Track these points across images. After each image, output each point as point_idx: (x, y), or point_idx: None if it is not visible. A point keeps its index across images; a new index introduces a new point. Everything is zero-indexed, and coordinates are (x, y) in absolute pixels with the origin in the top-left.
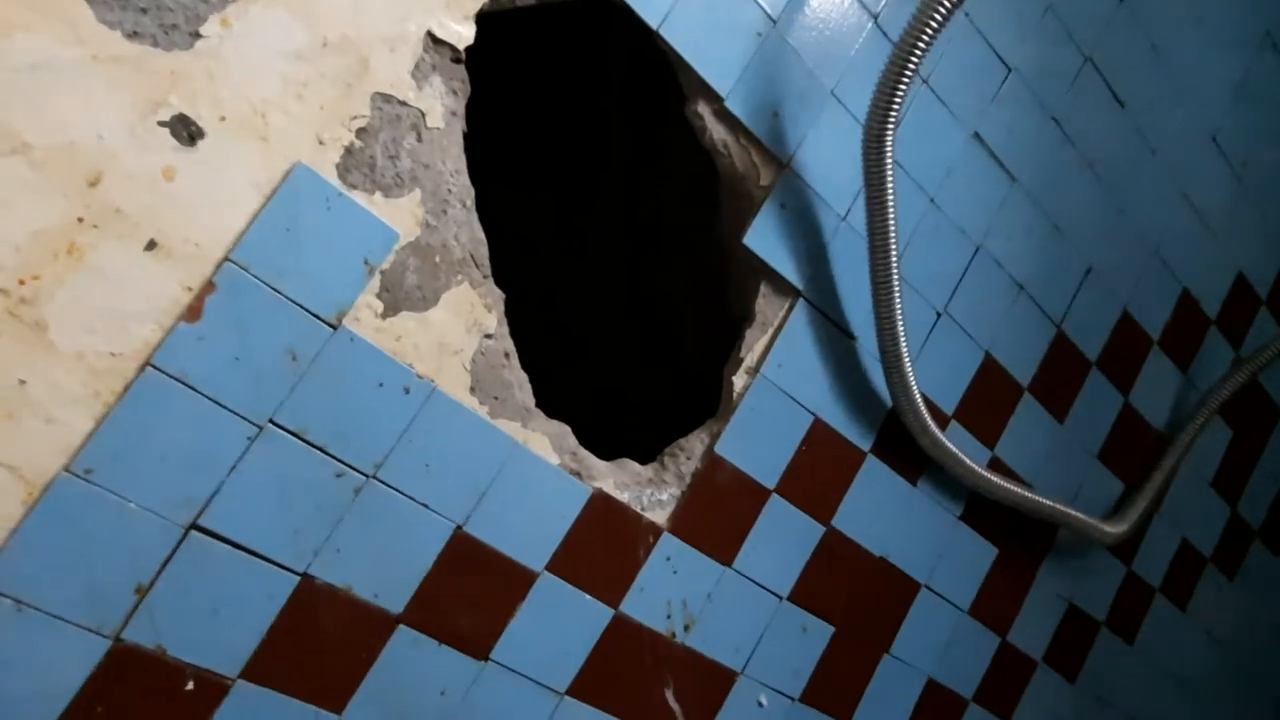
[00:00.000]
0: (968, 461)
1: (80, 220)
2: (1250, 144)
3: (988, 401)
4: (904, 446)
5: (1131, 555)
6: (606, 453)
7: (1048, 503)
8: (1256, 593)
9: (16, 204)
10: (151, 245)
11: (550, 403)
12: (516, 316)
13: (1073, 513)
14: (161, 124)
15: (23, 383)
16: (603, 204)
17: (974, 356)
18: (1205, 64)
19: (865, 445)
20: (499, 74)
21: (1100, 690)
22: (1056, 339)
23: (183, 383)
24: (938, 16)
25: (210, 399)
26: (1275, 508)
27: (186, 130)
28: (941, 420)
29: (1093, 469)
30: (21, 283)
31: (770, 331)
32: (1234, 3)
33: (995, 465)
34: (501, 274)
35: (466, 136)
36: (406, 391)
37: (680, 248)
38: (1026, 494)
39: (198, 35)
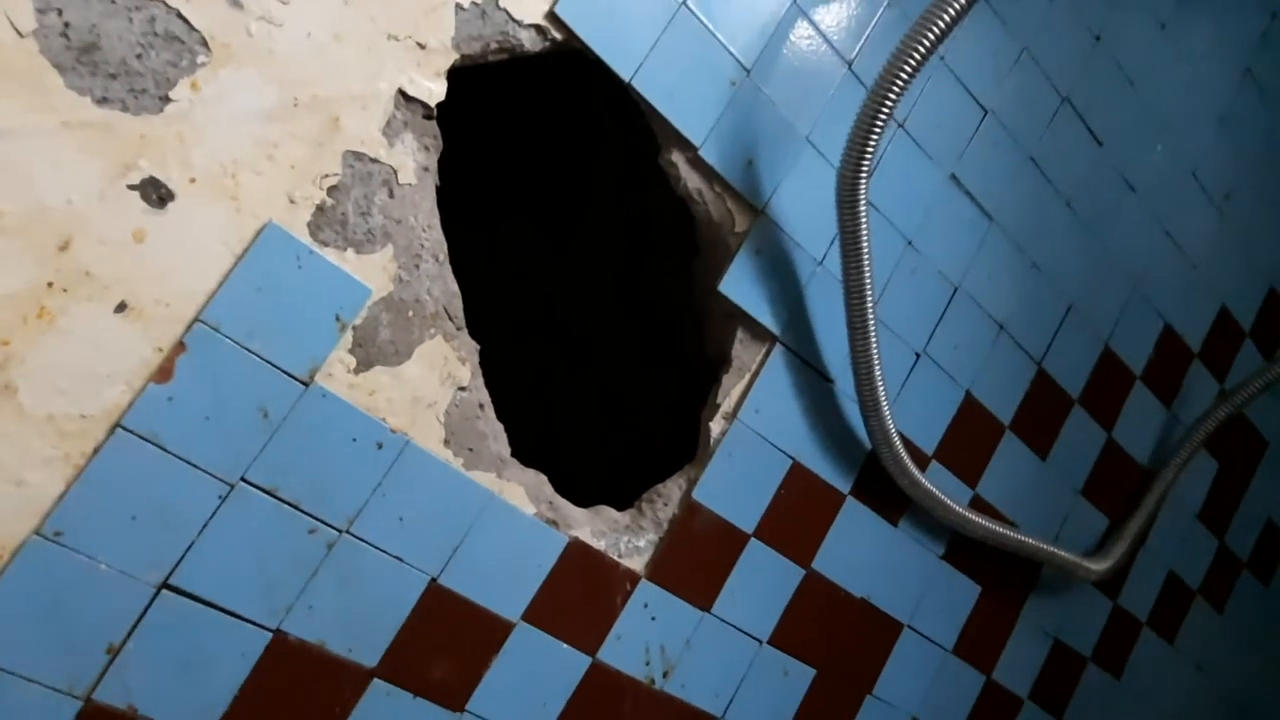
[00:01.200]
0: (948, 502)
1: (50, 285)
2: (1232, 178)
3: (969, 441)
4: (884, 488)
5: (1118, 590)
6: (600, 469)
7: (1030, 541)
8: (1246, 624)
9: None
10: (122, 307)
11: (551, 407)
12: (516, 328)
13: (1055, 550)
14: (131, 187)
15: None
16: (598, 211)
17: (954, 396)
18: (1184, 100)
19: (845, 487)
20: (485, 102)
21: None
22: (1038, 377)
23: (153, 443)
24: (910, 64)
25: (181, 459)
26: (1263, 539)
27: (156, 193)
28: (921, 461)
29: (1077, 505)
30: None
31: (747, 377)
32: (1212, 39)
33: (977, 504)
34: (500, 291)
35: (461, 168)
36: (379, 447)
37: (678, 248)
38: (1009, 533)
39: (167, 99)
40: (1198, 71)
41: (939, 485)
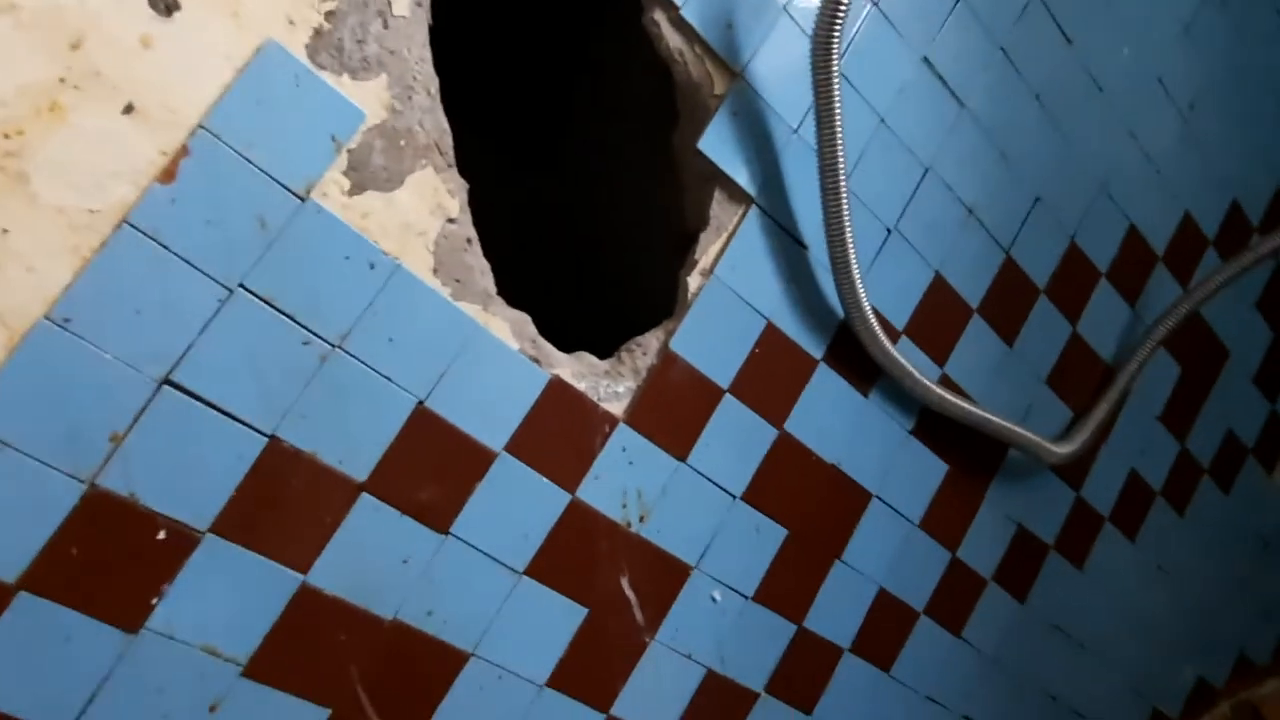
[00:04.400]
0: (918, 375)
1: (62, 80)
2: (1196, 88)
3: (938, 320)
4: (855, 357)
5: (1081, 481)
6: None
7: (997, 419)
8: (1207, 529)
9: (2, 60)
10: (129, 109)
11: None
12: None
13: (1021, 431)
14: None
15: (6, 232)
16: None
17: (924, 275)
18: (1151, 6)
19: (817, 353)
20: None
21: (1050, 612)
22: (1005, 264)
23: (157, 241)
24: None
25: (182, 259)
26: (1224, 448)
27: (164, 2)
28: (892, 334)
29: (1041, 393)
30: (6, 136)
31: (724, 236)
32: None
33: (945, 382)
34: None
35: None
36: (371, 267)
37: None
38: (976, 410)
39: None
40: None
41: (909, 360)
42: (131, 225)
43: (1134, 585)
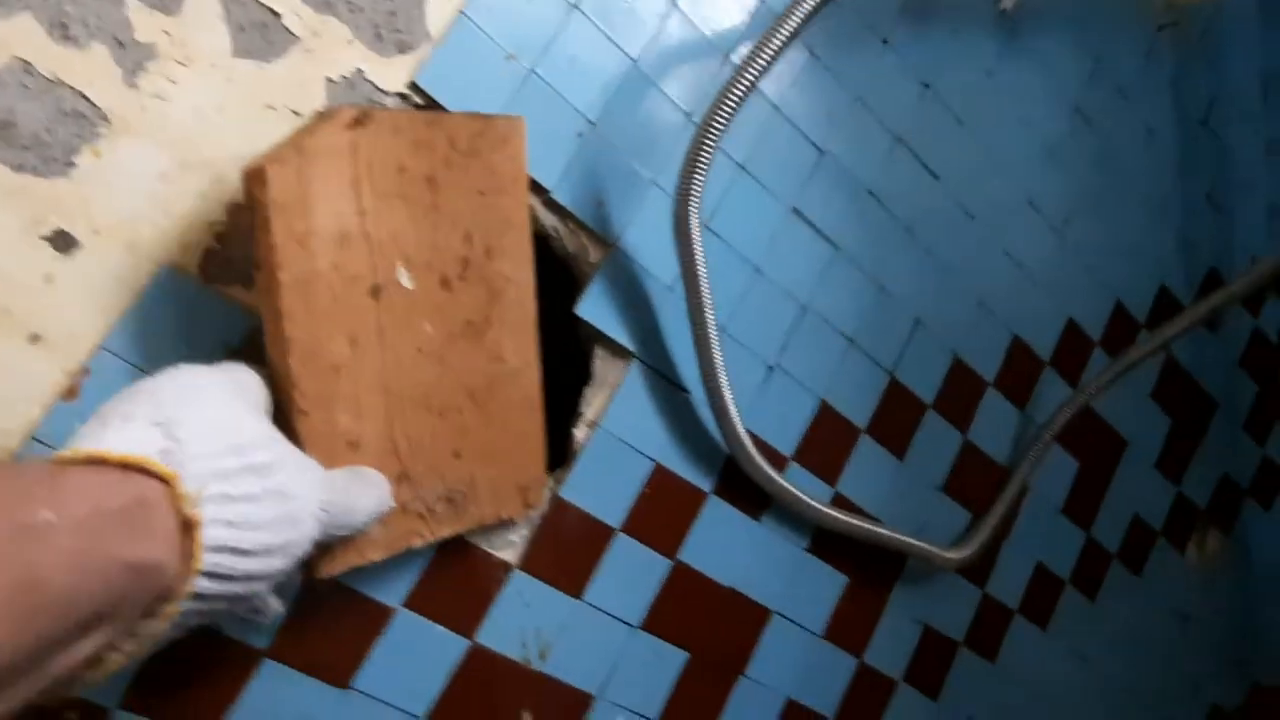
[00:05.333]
0: (804, 498)
1: None
2: (1068, 204)
3: (826, 443)
4: (744, 486)
5: (985, 578)
6: None
7: (888, 533)
8: (1120, 613)
9: None
10: (35, 339)
11: None
12: None
13: (913, 541)
14: (43, 238)
15: None
16: None
17: (809, 404)
18: (1016, 137)
19: (707, 486)
20: None
21: (965, 706)
22: (890, 384)
23: None
24: (727, 107)
25: None
26: (1131, 532)
27: (65, 242)
28: (779, 462)
29: (938, 501)
30: None
31: (608, 389)
32: (1039, 83)
33: (839, 501)
34: None
35: None
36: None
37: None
38: (865, 525)
39: (73, 165)
40: (1026, 112)
41: (798, 484)
42: (38, 440)
43: (1050, 674)
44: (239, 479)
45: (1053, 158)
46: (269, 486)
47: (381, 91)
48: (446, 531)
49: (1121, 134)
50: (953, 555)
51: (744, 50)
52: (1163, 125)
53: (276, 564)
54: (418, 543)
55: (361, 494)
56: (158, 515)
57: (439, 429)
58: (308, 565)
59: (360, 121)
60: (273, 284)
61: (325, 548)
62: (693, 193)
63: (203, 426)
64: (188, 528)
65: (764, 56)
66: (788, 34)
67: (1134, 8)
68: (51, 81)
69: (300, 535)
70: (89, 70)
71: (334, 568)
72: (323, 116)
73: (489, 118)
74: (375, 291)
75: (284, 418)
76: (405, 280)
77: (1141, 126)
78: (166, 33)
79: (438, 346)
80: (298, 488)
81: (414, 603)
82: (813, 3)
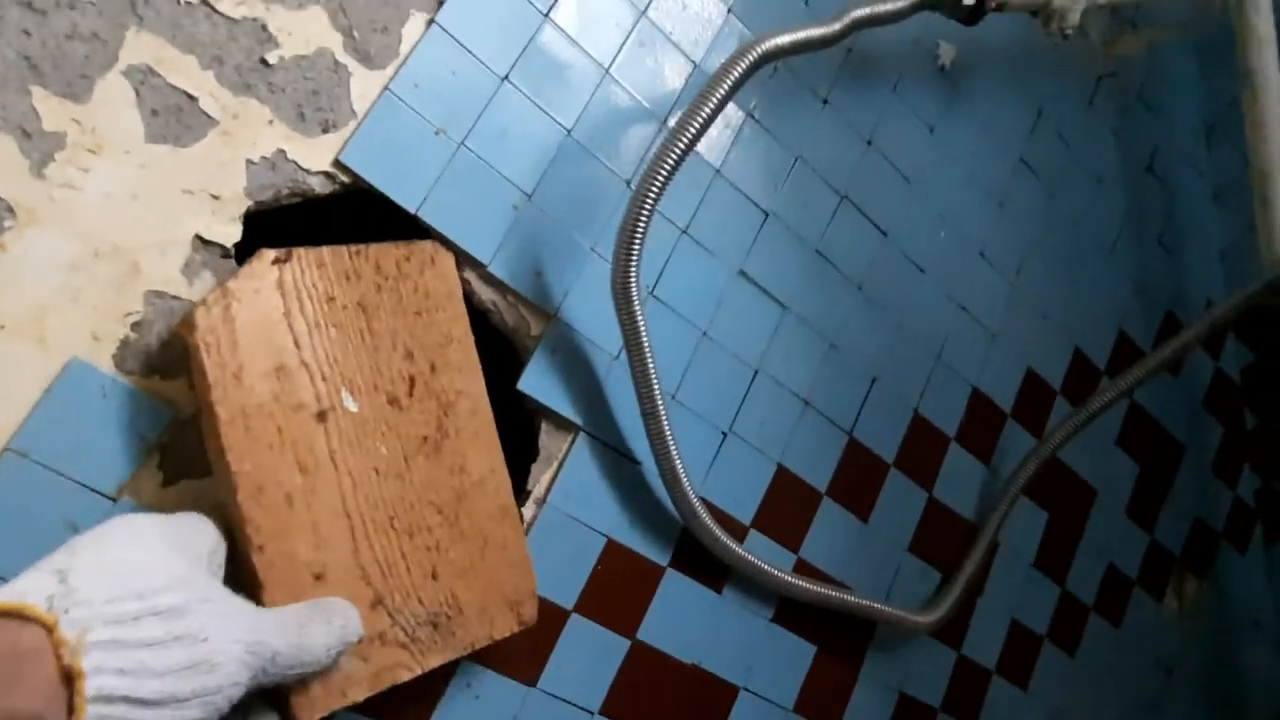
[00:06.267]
0: (765, 566)
1: None
2: (1020, 254)
3: (786, 509)
4: (702, 558)
5: (959, 640)
6: None
7: (852, 599)
8: (1102, 665)
9: None
10: None
11: None
12: None
13: (880, 606)
14: None
15: None
16: None
17: (766, 469)
18: (961, 191)
19: (663, 560)
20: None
21: None
22: (849, 445)
23: None
24: (662, 173)
25: None
26: (1107, 581)
27: None
28: (738, 530)
29: (906, 561)
30: None
31: (555, 464)
32: (981, 136)
33: (802, 568)
34: None
35: None
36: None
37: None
38: (831, 592)
39: None
40: (971, 165)
41: (759, 552)
42: None
43: None
44: (138, 624)
45: (1001, 208)
46: (176, 630)
47: (305, 171)
48: (436, 660)
49: (1069, 183)
50: (924, 619)
51: (676, 115)
52: (1109, 173)
53: (191, 714)
54: (405, 676)
55: (319, 628)
56: (35, 663)
57: (410, 550)
58: (285, 709)
59: (284, 259)
60: (212, 422)
61: (303, 687)
62: (632, 260)
63: (100, 571)
64: (69, 677)
65: (697, 121)
66: (720, 98)
67: (1073, 59)
68: None
69: (219, 681)
70: None
71: (313, 712)
72: (247, 260)
73: (413, 243)
74: (321, 417)
75: (241, 557)
76: (351, 404)
77: (1088, 175)
78: (76, 121)
79: (396, 465)
80: (214, 630)
81: (363, 707)
82: (744, 67)
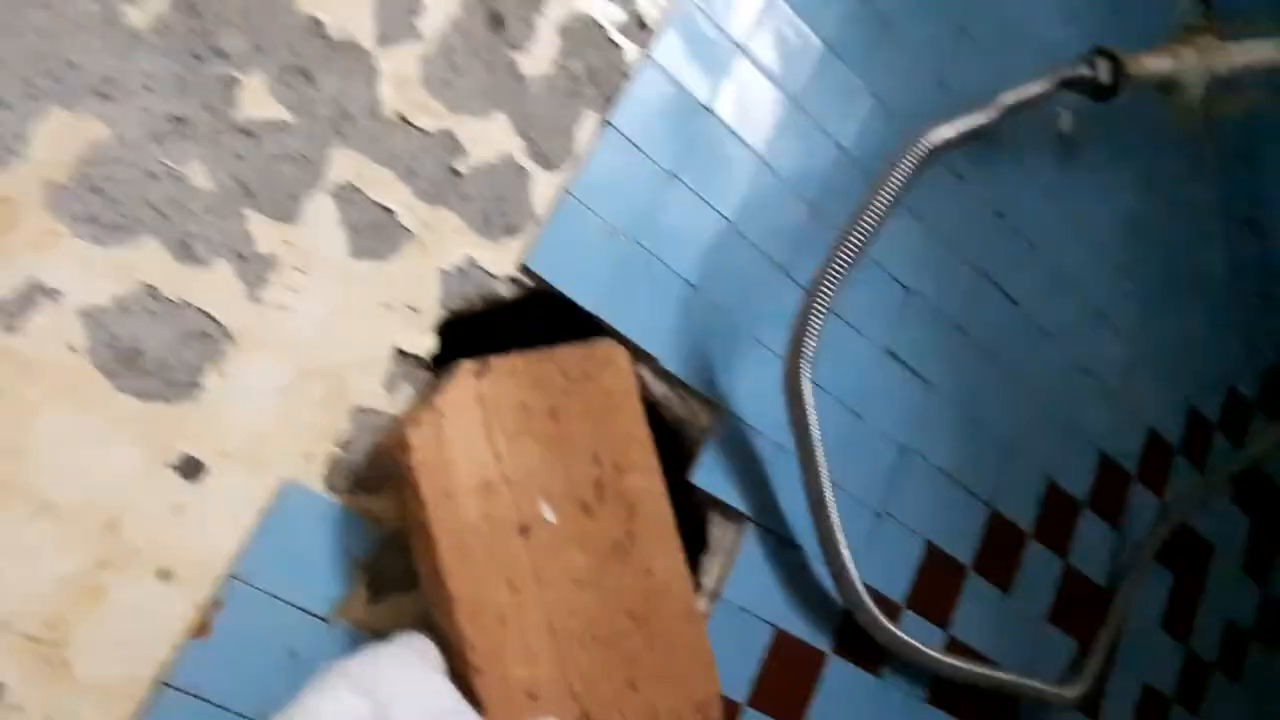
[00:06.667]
0: (921, 647)
1: (100, 563)
2: (1138, 315)
3: (935, 586)
4: (861, 641)
5: (1097, 712)
6: None
7: (1002, 676)
8: None
9: (43, 556)
10: (163, 573)
11: None
12: None
13: (1028, 683)
14: (170, 466)
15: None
16: None
17: (915, 546)
18: (1082, 253)
19: (826, 646)
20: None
21: None
22: (991, 517)
23: (194, 695)
24: (836, 270)
25: (219, 706)
26: (1226, 639)
27: (191, 469)
28: (893, 610)
29: (1044, 632)
30: (51, 628)
31: (724, 555)
32: (1097, 196)
33: (952, 645)
34: None
35: None
36: None
37: None
38: (982, 670)
39: (198, 386)
40: (1089, 227)
41: (912, 632)
42: (168, 685)
43: None
44: None
45: (1117, 270)
46: None
47: (492, 276)
48: None
49: (1176, 241)
50: (1069, 693)
51: (830, 199)
52: (1213, 230)
53: None
54: None
55: None
56: None
57: (609, 660)
58: None
59: (482, 372)
60: (427, 543)
61: None
62: (803, 358)
63: (407, 696)
64: None
65: (869, 221)
66: (890, 196)
67: (1175, 121)
68: (176, 304)
69: None
70: (212, 288)
71: None
72: (446, 374)
73: (592, 343)
74: (524, 531)
75: (458, 676)
76: (549, 514)
77: (1194, 233)
78: (286, 242)
79: (591, 573)
80: None
81: None
82: (912, 164)
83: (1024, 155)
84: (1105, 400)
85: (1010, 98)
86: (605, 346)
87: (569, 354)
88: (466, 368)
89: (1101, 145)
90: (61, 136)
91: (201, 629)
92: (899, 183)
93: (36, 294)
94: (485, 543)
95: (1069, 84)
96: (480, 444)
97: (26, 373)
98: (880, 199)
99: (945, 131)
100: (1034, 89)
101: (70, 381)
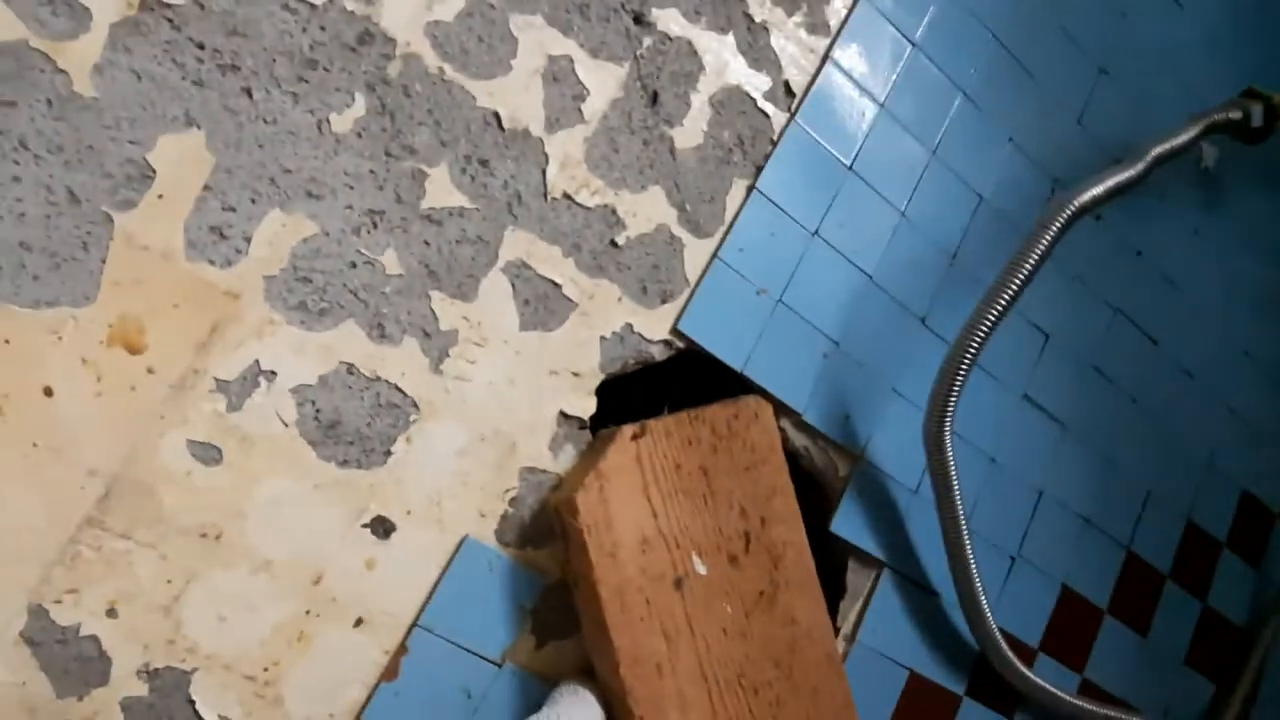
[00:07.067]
0: (1056, 692)
1: (307, 613)
2: None
3: (1070, 629)
4: (996, 684)
5: None
6: None
7: None
8: None
9: (261, 608)
10: (359, 622)
11: None
12: None
13: None
14: (364, 526)
15: None
16: None
17: (1051, 590)
18: (1224, 290)
19: (960, 689)
20: None
21: None
22: (1128, 560)
23: None
24: (983, 329)
25: None
26: None
27: (383, 528)
28: (1027, 655)
29: (1182, 676)
30: (265, 669)
31: (861, 600)
32: (1243, 235)
33: (1086, 688)
34: None
35: None
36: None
37: None
38: (1118, 714)
39: (389, 453)
40: (1233, 263)
41: (1046, 676)
42: None
43: None
44: None
45: (1261, 306)
46: None
47: (648, 341)
48: None
49: None
50: None
51: (969, 249)
52: None
53: None
54: None
55: None
56: None
57: (757, 706)
58: None
59: (639, 435)
60: (593, 598)
61: None
62: (948, 412)
63: None
64: None
65: (1016, 280)
66: (1038, 256)
67: None
68: (370, 379)
69: None
70: (401, 363)
71: None
72: (605, 437)
73: (739, 401)
74: (678, 584)
75: None
76: (701, 567)
77: None
78: (465, 318)
79: (739, 623)
80: None
81: None
82: (1060, 224)
83: (1165, 191)
84: (1247, 438)
85: (1157, 148)
86: (752, 403)
87: (718, 412)
88: (626, 432)
89: (1246, 181)
90: (278, 234)
91: (391, 672)
92: (1047, 244)
93: (257, 376)
94: (644, 596)
95: (1218, 129)
96: (639, 503)
97: (248, 446)
98: (1028, 260)
99: (1094, 190)
100: (1182, 137)
101: (282, 452)
